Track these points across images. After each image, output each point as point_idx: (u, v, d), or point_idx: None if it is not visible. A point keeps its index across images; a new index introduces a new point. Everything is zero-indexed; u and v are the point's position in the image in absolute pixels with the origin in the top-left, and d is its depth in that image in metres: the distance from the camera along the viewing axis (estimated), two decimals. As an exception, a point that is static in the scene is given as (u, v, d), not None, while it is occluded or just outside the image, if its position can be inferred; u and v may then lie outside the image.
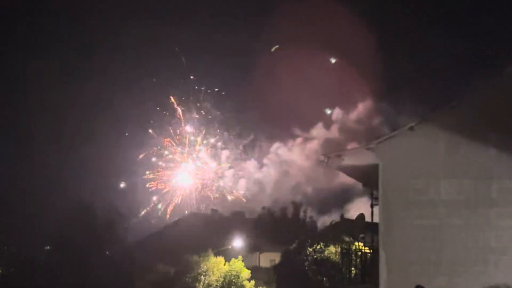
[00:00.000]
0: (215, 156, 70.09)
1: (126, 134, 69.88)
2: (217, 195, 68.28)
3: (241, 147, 69.70)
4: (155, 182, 68.31)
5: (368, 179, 17.78)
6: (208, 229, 51.29)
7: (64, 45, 79.68)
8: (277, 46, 63.76)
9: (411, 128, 15.53)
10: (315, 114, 68.67)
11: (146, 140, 70.04)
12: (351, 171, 17.77)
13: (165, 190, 68.67)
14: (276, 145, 68.24)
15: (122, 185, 68.45)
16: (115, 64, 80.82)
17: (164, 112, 69.74)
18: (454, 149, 15.32)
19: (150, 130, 69.05)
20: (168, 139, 69.60)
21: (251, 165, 69.23)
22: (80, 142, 71.07)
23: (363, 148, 16.03)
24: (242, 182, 69.00)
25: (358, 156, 16.10)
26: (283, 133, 68.72)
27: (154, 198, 68.60)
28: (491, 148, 15.13)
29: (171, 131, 69.68)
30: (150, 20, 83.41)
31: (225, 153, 70.17)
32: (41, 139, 70.69)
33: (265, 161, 69.76)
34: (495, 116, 15.26)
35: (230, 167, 69.51)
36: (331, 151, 16.87)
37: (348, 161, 16.20)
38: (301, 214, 59.16)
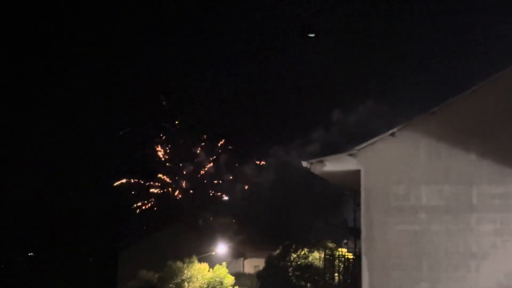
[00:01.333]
0: (214, 161, 69.30)
1: (120, 133, 68.71)
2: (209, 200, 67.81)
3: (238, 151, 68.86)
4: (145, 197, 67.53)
5: (351, 184, 17.86)
6: (193, 235, 51.14)
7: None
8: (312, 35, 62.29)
9: (393, 134, 15.64)
10: (314, 115, 67.71)
11: (139, 143, 69.08)
12: (334, 177, 17.84)
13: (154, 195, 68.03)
14: (272, 148, 67.29)
15: (109, 189, 67.60)
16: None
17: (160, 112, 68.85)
18: (435, 155, 15.43)
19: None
20: (163, 139, 68.86)
21: (248, 168, 68.11)
22: (68, 143, 70.09)
23: (345, 154, 16.09)
24: (239, 187, 68.12)
25: (340, 162, 16.17)
26: (281, 135, 67.93)
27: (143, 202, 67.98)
28: (472, 153, 15.26)
29: (163, 135, 68.94)
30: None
31: (223, 157, 69.24)
32: (27, 136, 69.87)
33: (261, 164, 68.75)
34: (475, 122, 15.40)
35: (227, 172, 68.75)
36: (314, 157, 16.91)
37: (330, 167, 16.28)
38: (287, 219, 59.04)
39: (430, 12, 75.34)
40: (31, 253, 62.71)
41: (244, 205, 64.69)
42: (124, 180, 66.61)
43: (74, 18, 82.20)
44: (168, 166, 68.34)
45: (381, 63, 66.83)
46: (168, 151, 68.45)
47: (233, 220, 59.50)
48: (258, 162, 67.28)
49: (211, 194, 68.24)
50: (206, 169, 68.91)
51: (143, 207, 67.16)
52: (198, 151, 68.76)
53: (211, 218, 63.03)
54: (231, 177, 68.58)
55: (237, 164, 68.82)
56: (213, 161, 69.11)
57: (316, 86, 68.98)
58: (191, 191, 68.28)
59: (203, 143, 68.92)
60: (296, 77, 74.05)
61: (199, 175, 68.97)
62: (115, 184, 66.32)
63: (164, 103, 68.68)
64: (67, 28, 78.95)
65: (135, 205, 66.77)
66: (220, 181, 68.85)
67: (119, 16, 79.58)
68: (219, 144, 68.75)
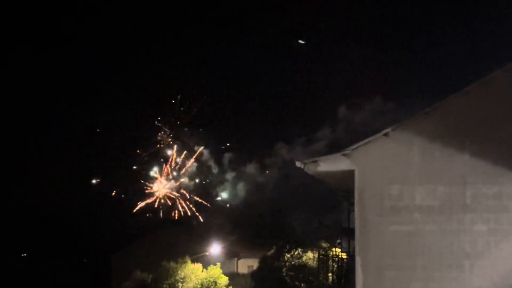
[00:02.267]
0: (217, 160, 68.46)
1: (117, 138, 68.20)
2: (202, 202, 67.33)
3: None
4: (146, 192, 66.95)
5: (345, 185, 17.86)
6: (186, 235, 51.11)
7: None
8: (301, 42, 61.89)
9: (386, 134, 15.64)
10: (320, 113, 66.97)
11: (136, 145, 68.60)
12: (328, 177, 17.83)
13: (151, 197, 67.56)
14: (276, 146, 66.31)
15: (104, 190, 67.05)
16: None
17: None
18: (429, 155, 15.44)
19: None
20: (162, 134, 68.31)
21: (252, 168, 67.06)
22: (64, 143, 69.71)
23: (338, 154, 16.08)
24: (238, 187, 67.25)
25: (334, 162, 16.14)
26: (286, 134, 67.26)
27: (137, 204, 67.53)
28: (465, 154, 15.27)
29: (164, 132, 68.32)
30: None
31: (227, 156, 68.41)
32: (23, 137, 69.57)
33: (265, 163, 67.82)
34: (469, 122, 15.43)
35: (231, 171, 67.98)
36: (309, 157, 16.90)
37: (324, 167, 16.24)
38: (281, 219, 58.91)
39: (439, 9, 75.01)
40: (25, 254, 62.51)
41: (238, 205, 64.60)
42: (117, 190, 66.17)
43: (79, 16, 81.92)
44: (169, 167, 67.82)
45: (389, 60, 66.68)
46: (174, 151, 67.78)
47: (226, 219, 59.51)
48: (267, 172, 66.63)
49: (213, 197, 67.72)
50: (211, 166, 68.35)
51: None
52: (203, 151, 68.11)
53: (204, 219, 63.04)
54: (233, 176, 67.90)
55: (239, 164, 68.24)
56: (217, 160, 68.50)
57: (323, 84, 68.68)
58: (194, 197, 67.69)
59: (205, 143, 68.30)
60: (302, 74, 73.83)
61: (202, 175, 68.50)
62: (113, 193, 65.95)
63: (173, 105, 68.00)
64: (71, 25, 78.85)
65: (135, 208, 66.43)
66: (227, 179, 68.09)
67: (124, 15, 79.44)
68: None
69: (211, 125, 68.91)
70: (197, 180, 68.21)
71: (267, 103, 70.67)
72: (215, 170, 68.29)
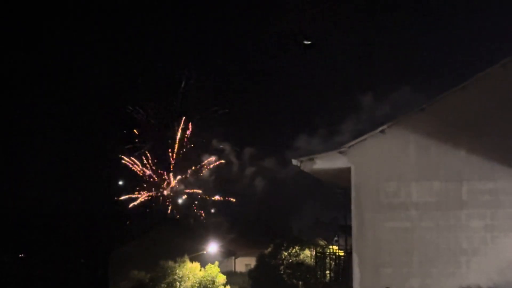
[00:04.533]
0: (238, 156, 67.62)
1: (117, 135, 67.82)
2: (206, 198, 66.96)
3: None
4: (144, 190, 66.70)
5: (342, 182, 17.88)
6: (184, 234, 51.07)
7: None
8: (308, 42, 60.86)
9: (382, 131, 15.66)
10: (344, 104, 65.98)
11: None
12: (324, 174, 17.84)
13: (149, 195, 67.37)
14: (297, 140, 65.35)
15: (102, 190, 66.82)
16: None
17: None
18: (425, 152, 15.47)
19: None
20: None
21: (271, 163, 65.88)
22: (62, 143, 69.44)
23: (335, 151, 16.09)
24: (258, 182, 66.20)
25: (331, 160, 16.17)
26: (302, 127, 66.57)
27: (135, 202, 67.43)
28: (461, 150, 15.31)
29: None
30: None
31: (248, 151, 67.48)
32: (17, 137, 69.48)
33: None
34: (464, 118, 15.45)
35: (250, 166, 66.99)
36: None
37: (320, 164, 16.27)
38: (279, 216, 58.70)
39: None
40: (22, 254, 62.41)
41: (235, 204, 64.48)
42: (126, 196, 65.86)
43: (81, 10, 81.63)
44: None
45: (417, 48, 66.04)
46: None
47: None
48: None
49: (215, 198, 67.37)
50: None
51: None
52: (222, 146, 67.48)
53: (202, 217, 63.01)
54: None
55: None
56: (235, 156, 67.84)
57: (349, 74, 67.88)
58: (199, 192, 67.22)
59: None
60: (326, 64, 73.18)
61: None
62: (118, 198, 65.54)
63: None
64: (71, 20, 78.50)
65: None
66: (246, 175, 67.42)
67: (125, 11, 79.11)
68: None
69: (233, 121, 68.21)
70: (205, 177, 67.96)
71: (289, 96, 70.05)
72: (231, 167, 67.76)
